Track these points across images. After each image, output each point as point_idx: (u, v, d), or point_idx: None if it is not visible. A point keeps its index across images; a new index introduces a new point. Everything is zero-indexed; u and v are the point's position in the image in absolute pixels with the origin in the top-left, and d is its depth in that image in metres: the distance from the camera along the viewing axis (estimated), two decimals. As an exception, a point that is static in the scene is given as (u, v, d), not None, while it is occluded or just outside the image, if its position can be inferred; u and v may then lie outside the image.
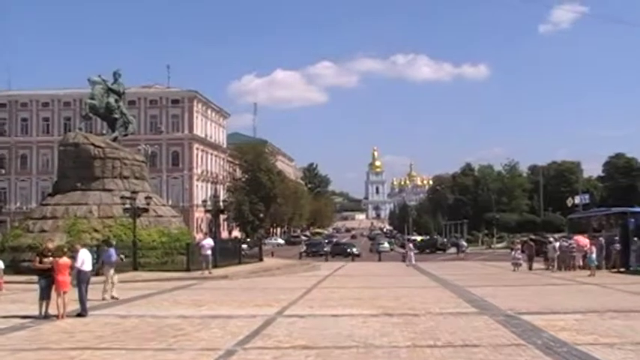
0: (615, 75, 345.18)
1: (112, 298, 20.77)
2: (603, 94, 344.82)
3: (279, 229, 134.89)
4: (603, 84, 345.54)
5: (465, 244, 71.82)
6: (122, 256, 26.32)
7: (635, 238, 33.70)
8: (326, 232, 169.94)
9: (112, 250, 22.29)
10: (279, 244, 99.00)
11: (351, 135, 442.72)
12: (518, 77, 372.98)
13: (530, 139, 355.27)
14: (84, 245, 20.09)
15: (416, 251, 55.53)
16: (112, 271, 21.58)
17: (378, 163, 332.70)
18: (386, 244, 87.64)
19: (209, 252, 32.78)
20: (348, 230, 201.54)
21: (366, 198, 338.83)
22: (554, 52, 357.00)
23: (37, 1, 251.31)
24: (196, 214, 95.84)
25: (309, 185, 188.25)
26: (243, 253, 41.67)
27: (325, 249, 71.23)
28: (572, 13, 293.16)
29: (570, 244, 35.69)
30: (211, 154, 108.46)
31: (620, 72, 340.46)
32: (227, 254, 38.17)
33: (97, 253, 29.24)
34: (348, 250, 70.48)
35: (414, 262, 47.62)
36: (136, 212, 34.99)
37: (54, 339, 13.08)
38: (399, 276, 34.28)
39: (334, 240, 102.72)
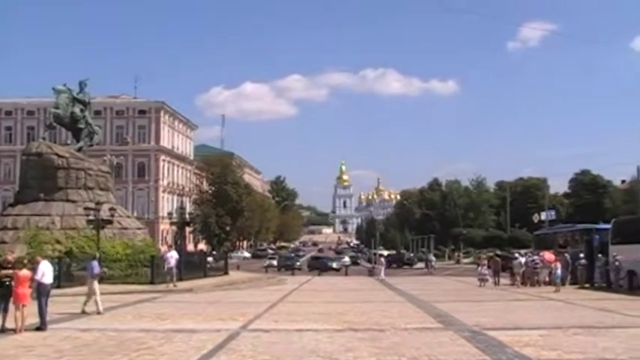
0: (583, 93, 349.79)
1: (98, 313, 20.10)
2: (570, 111, 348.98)
3: (245, 243, 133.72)
4: (570, 101, 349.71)
5: (433, 258, 71.36)
6: (105, 269, 26.03)
7: (600, 255, 33.97)
8: (292, 245, 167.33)
9: (95, 262, 21.74)
10: (245, 258, 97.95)
11: (320, 148, 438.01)
12: (487, 93, 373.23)
13: (497, 155, 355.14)
14: (45, 257, 19.78)
15: (385, 265, 55.57)
16: (95, 284, 21.02)
17: (345, 177, 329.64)
18: (346, 259, 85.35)
19: (173, 265, 32.51)
20: (314, 244, 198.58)
21: (334, 212, 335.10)
22: (522, 69, 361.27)
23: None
24: (162, 227, 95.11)
25: (277, 198, 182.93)
26: (208, 266, 41.17)
27: (298, 263, 70.70)
28: (541, 30, 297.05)
29: (535, 260, 35.93)
30: (178, 166, 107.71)
31: (587, 90, 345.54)
32: (192, 267, 37.87)
33: (59, 265, 28.90)
34: (329, 264, 69.25)
35: (383, 276, 47.55)
36: (99, 224, 34.64)
37: (11, 353, 12.85)
38: (364, 291, 34.29)
39: (301, 254, 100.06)
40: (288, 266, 67.29)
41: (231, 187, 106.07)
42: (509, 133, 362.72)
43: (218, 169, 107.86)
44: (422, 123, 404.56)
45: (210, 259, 44.37)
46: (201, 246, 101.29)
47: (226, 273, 42.68)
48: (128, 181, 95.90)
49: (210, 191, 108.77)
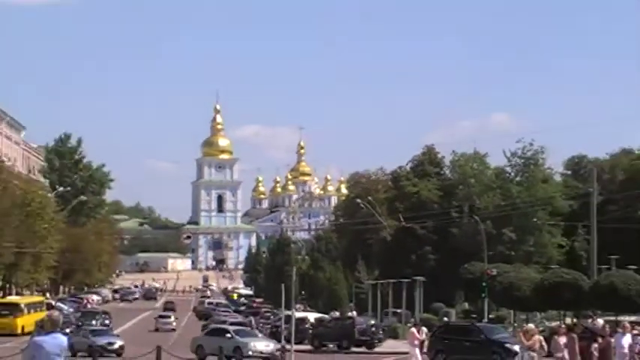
0: None
1: None
2: None
3: None
4: None
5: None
6: None
7: None
8: (95, 297, 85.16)
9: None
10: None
11: (166, 74, 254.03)
12: None
13: (569, 99, 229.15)
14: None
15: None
16: None
17: (222, 141, 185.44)
18: (171, 318, 56.43)
19: None
20: (149, 295, 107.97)
21: (195, 222, 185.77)
22: None
23: None
24: None
25: (61, 188, 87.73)
26: None
27: (117, 342, 35.75)
28: None
29: None
30: None
31: None
32: None
33: None
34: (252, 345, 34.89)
35: None
36: None
37: None
38: None
39: (99, 322, 48.14)
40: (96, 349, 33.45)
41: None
42: (597, 57, 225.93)
43: None
44: (407, 25, 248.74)
45: None
46: None
47: None
48: None
49: None
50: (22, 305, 47.72)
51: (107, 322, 48.99)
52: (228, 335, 35.20)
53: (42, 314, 37.29)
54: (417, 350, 25.58)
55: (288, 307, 36.16)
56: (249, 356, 32.36)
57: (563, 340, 20.07)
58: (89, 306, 69.92)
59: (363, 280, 65.81)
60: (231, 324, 43.20)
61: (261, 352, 31.87)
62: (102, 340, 35.22)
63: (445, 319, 43.83)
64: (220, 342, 33.08)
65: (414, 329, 27.50)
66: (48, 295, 74.42)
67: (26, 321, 43.81)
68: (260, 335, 35.68)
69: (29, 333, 36.19)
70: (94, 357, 30.10)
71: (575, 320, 41.23)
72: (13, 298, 54.13)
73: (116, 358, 33.18)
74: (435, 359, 29.81)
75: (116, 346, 35.05)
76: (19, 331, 42.84)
